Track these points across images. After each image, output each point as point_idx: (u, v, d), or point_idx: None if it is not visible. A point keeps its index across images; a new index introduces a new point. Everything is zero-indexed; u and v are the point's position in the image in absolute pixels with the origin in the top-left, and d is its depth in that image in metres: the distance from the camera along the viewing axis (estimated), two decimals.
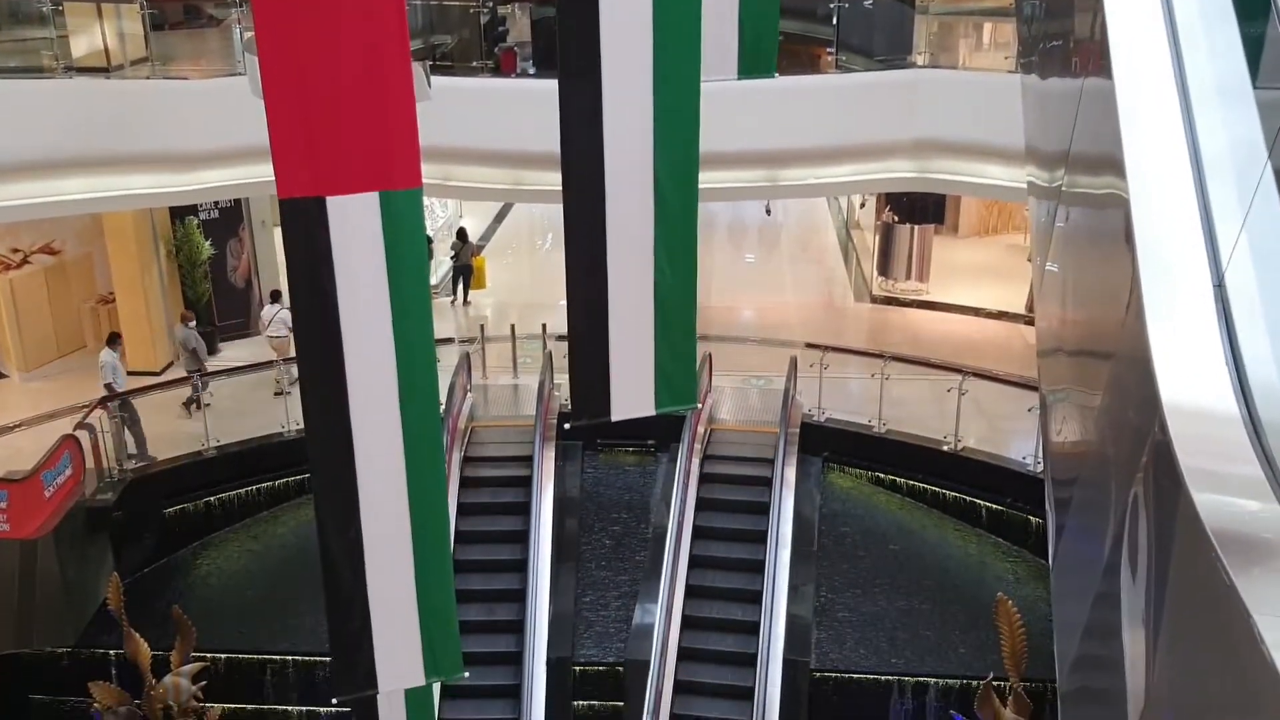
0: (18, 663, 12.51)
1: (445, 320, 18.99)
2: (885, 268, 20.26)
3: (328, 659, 11.70)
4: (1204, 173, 3.29)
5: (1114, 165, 3.57)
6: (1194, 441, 2.33)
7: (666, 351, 5.63)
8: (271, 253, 19.16)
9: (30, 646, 12.26)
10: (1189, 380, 2.63)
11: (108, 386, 14.34)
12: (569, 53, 5.04)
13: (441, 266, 20.73)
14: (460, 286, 20.10)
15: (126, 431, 14.06)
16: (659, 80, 5.10)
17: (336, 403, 5.04)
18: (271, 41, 4.66)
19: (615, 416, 5.73)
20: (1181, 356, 2.72)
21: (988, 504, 13.67)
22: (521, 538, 12.94)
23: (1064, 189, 5.55)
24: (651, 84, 5.10)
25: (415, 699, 5.99)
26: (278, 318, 16.31)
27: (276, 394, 15.47)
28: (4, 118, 13.45)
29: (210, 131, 14.28)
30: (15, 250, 16.65)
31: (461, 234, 20.46)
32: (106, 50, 15.01)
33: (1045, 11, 6.68)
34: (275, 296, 16.74)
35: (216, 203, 17.43)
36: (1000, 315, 18.79)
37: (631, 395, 5.69)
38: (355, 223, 4.80)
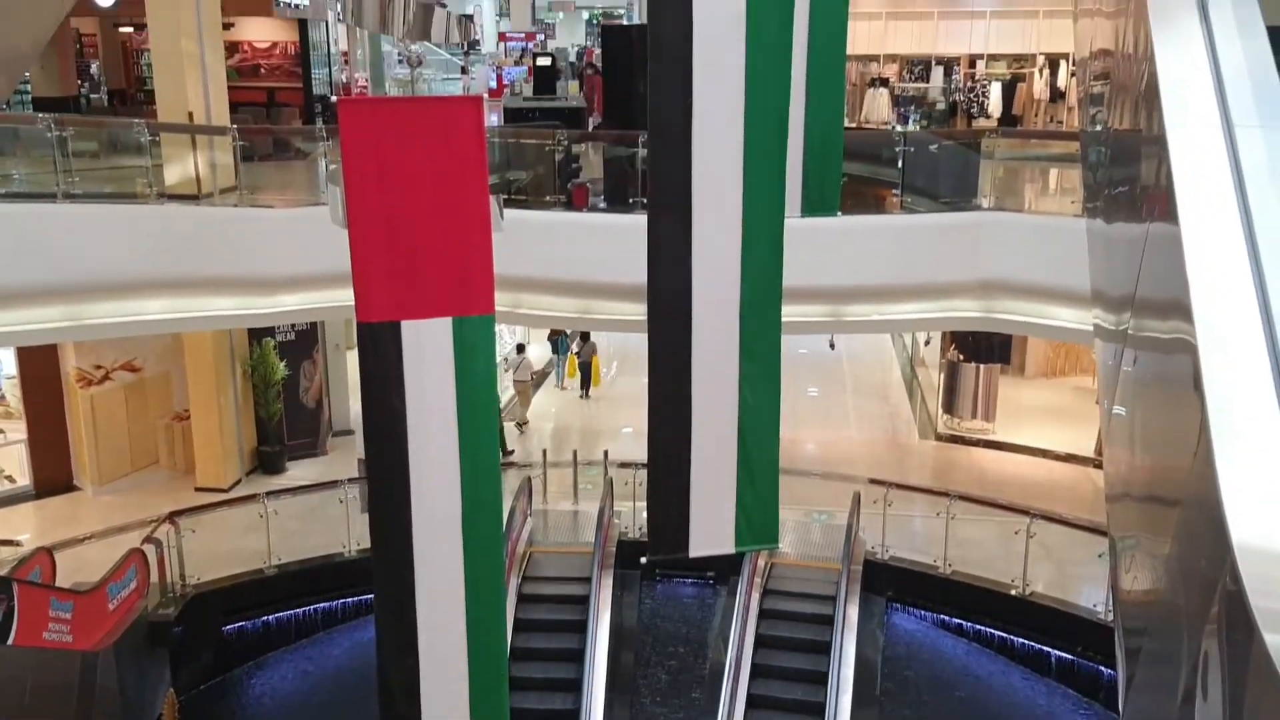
0: None
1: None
2: (950, 406, 20.11)
3: None
4: (1272, 316, 3.30)
5: (1181, 310, 3.58)
6: (1268, 583, 2.28)
7: (748, 488, 5.54)
8: (343, 374, 19.59)
9: None
10: (1262, 522, 2.60)
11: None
12: (661, 189, 5.16)
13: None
14: (582, 383, 22.05)
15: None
16: (748, 215, 5.20)
17: (400, 524, 5.09)
18: (358, 175, 4.90)
19: (694, 553, 5.62)
20: (1253, 498, 2.70)
21: (1057, 652, 13.24)
22: (575, 680, 12.71)
23: (1130, 332, 5.52)
24: (741, 220, 5.20)
25: None
26: (524, 363, 20.12)
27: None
28: (98, 240, 14.00)
29: (291, 257, 14.77)
30: (98, 366, 17.20)
31: (584, 336, 22.08)
32: (198, 178, 15.67)
33: (1110, 158, 6.77)
34: (521, 349, 20.55)
35: (293, 325, 17.93)
36: (1069, 458, 18.46)
37: (711, 532, 5.59)
38: (428, 345, 4.96)
